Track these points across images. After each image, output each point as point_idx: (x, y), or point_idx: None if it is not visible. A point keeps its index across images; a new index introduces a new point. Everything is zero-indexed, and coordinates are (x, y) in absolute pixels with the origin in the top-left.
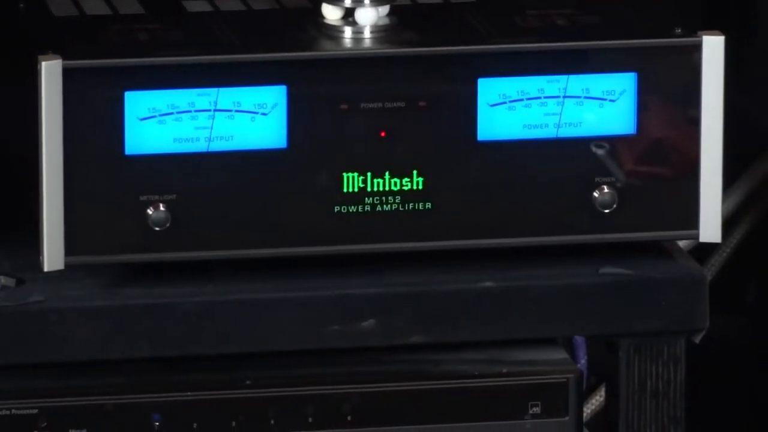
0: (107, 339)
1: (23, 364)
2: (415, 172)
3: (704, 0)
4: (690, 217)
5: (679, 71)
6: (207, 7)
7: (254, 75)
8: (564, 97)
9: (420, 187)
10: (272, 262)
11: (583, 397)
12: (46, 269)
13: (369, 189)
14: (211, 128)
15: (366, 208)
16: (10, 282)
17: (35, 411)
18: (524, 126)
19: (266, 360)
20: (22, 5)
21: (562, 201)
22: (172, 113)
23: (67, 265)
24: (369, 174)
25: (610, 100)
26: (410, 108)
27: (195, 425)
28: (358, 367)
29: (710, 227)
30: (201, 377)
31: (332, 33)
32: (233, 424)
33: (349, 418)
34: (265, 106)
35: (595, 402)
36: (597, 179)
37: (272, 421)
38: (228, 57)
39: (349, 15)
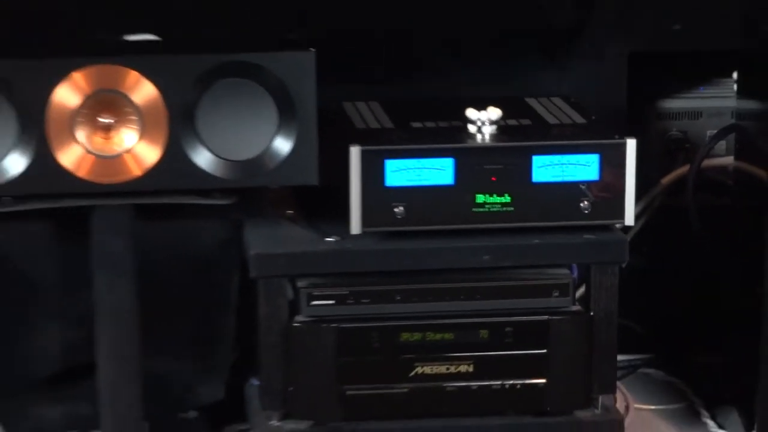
0: None
1: None
2: (507, 193)
3: (627, 115)
4: (621, 213)
5: (618, 154)
6: (427, 123)
7: (439, 153)
8: (569, 164)
9: (508, 199)
10: None
11: (576, 287)
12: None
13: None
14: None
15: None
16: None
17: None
18: (553, 174)
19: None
20: (330, 127)
21: (566, 205)
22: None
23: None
24: (481, 195)
25: (587, 165)
26: (506, 171)
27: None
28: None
29: (629, 218)
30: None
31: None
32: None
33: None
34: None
35: (580, 291)
36: (582, 197)
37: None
38: (431, 146)
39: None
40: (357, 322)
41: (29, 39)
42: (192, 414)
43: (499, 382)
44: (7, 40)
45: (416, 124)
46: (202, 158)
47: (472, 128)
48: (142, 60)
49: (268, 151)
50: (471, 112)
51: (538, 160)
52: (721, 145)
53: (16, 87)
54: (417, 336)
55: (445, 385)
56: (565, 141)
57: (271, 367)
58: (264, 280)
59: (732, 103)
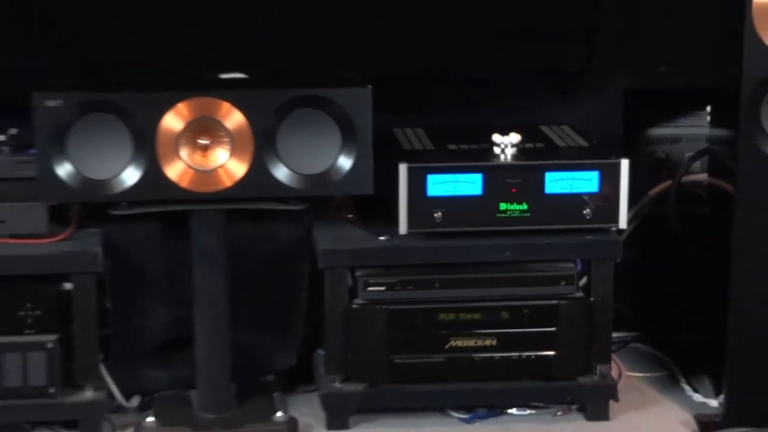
0: None
1: None
2: (524, 202)
3: (622, 140)
4: (616, 219)
5: (614, 172)
6: (460, 145)
7: (470, 169)
8: (575, 179)
9: (525, 207)
10: None
11: (579, 278)
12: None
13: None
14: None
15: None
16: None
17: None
18: (562, 187)
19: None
20: (383, 148)
21: (572, 212)
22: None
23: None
24: (504, 204)
25: (589, 180)
26: (524, 184)
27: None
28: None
29: (622, 223)
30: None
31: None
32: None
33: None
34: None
35: (582, 281)
36: (584, 206)
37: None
38: (463, 164)
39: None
40: (404, 305)
41: (143, 76)
42: (270, 377)
43: (517, 354)
44: (126, 77)
45: (452, 146)
46: (281, 172)
47: (497, 150)
48: (233, 94)
49: (333, 167)
50: (496, 137)
51: (550, 176)
52: (697, 164)
53: (133, 115)
54: (452, 316)
55: (474, 355)
56: (571, 160)
57: (334, 340)
58: (329, 270)
59: (706, 131)
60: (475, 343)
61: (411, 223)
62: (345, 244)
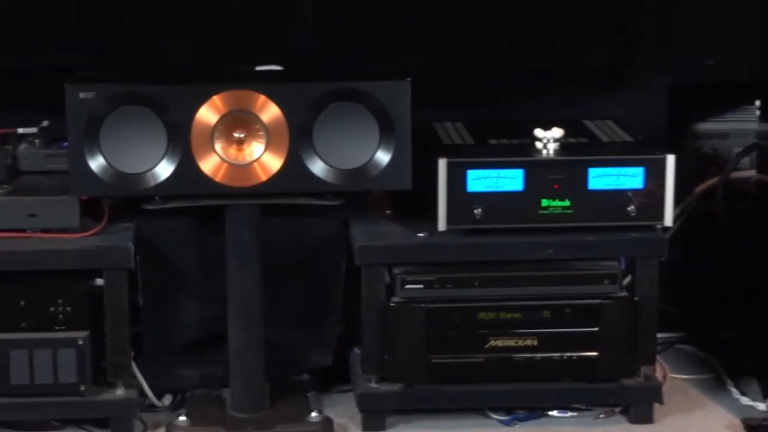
0: None
1: None
2: (567, 198)
3: (667, 135)
4: (661, 216)
5: (659, 167)
6: (501, 140)
7: (511, 165)
8: (619, 175)
9: (568, 203)
10: None
11: (623, 277)
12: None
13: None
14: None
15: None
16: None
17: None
18: (606, 183)
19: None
20: (422, 142)
21: (616, 209)
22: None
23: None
24: (545, 200)
25: (634, 176)
26: (566, 180)
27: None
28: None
29: (668, 220)
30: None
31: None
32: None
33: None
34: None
35: (626, 280)
36: (629, 202)
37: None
38: (504, 159)
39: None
40: (442, 303)
41: (178, 68)
42: (305, 377)
43: (558, 354)
44: (160, 70)
45: (493, 141)
46: (317, 167)
47: (539, 145)
48: (269, 86)
49: (370, 162)
50: (538, 132)
51: (593, 172)
52: (745, 160)
53: (167, 107)
54: (491, 315)
55: (514, 356)
56: (615, 156)
57: (371, 339)
58: (366, 267)
59: (755, 125)
60: (516, 343)
61: (450, 219)
62: (382, 241)
